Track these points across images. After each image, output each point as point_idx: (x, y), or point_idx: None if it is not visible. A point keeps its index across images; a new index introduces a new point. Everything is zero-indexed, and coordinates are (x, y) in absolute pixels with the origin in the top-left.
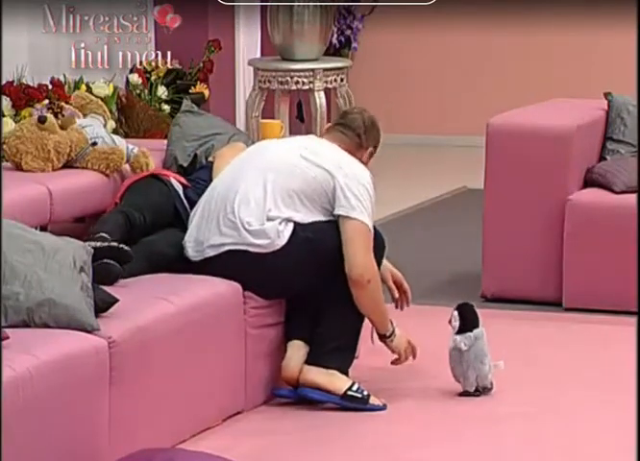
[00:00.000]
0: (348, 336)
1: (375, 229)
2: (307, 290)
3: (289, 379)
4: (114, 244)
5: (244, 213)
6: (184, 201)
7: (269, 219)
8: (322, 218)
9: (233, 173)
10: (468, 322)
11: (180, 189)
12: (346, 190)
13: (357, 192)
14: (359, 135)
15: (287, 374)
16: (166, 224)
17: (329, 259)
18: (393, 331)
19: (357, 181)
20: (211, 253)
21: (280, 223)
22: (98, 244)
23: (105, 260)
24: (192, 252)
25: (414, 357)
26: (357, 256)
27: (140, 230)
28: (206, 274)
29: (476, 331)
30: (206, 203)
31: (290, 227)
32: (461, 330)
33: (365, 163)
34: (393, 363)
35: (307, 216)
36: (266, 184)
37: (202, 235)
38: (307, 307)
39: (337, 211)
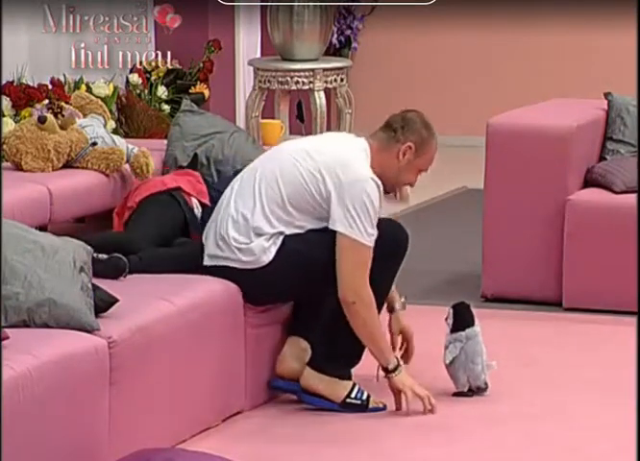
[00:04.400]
0: (351, 343)
1: (398, 226)
2: (304, 297)
3: (283, 374)
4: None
5: (231, 230)
6: (199, 226)
7: (258, 235)
8: (317, 227)
9: (239, 182)
10: (461, 321)
11: (198, 211)
12: (339, 203)
13: (351, 205)
14: (395, 130)
15: (280, 368)
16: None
17: (320, 271)
18: (397, 367)
19: (355, 191)
20: (208, 262)
21: (268, 239)
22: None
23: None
24: None
25: (428, 408)
26: (343, 276)
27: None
28: None
29: (468, 331)
30: (218, 206)
31: (279, 241)
32: (454, 330)
33: (401, 160)
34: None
35: (299, 227)
36: (257, 197)
37: (205, 240)
38: (312, 307)
39: (329, 225)
